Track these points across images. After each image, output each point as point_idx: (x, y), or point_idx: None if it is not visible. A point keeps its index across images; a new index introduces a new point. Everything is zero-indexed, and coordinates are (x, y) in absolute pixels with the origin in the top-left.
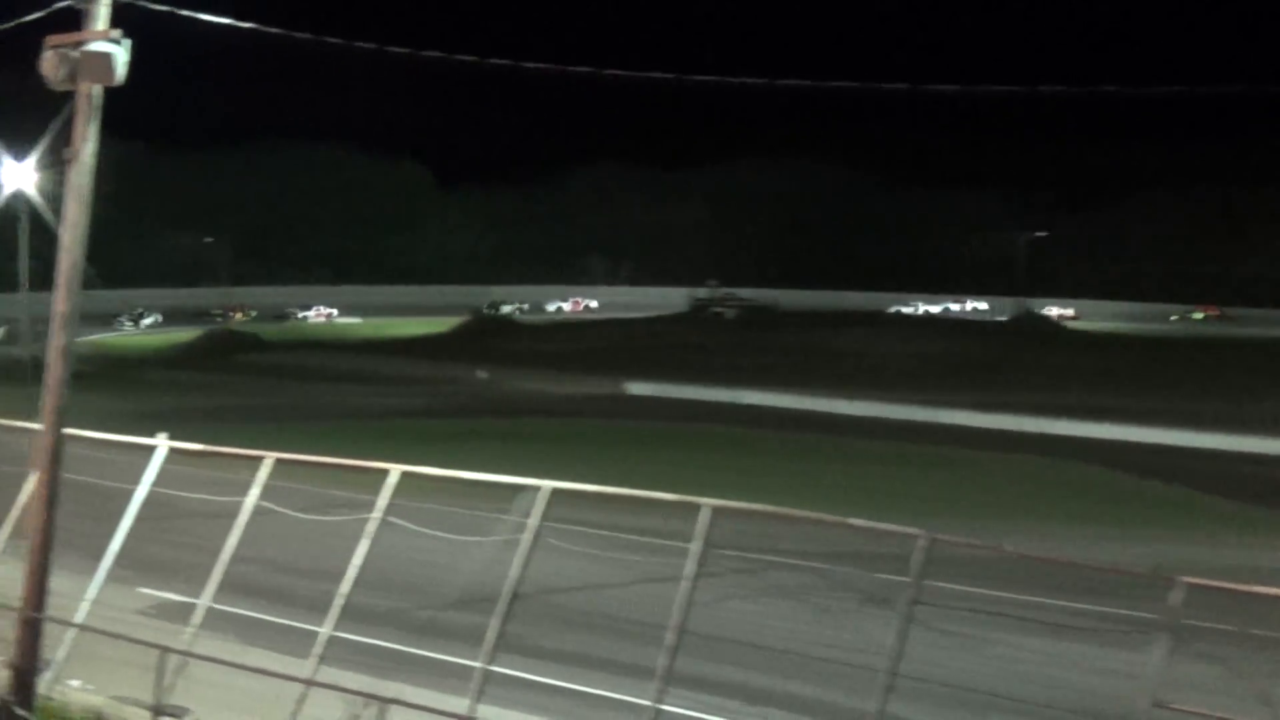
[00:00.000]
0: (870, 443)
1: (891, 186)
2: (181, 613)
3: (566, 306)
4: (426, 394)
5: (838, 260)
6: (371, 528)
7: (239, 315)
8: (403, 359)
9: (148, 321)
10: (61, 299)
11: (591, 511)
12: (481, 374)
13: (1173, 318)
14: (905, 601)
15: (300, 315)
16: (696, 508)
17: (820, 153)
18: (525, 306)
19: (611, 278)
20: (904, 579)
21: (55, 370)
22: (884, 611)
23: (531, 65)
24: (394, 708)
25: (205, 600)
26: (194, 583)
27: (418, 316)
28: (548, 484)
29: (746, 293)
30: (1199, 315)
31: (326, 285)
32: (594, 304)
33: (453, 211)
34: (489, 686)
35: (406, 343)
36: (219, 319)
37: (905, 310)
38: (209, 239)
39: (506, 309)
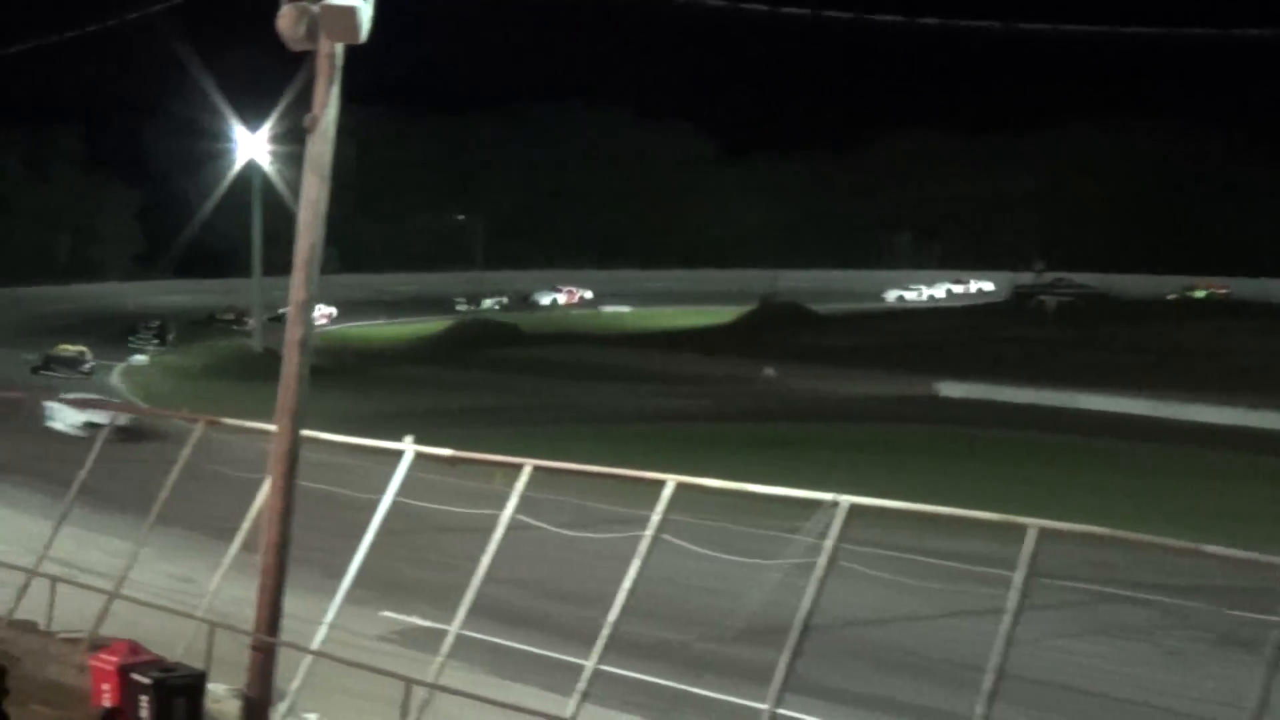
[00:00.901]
0: (1230, 455)
1: (1254, 153)
2: (428, 640)
3: (561, 298)
4: (705, 394)
5: (1186, 240)
6: (643, 547)
7: (250, 323)
8: (678, 354)
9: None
10: (299, 285)
11: (896, 532)
12: (769, 371)
13: (1170, 295)
14: (1273, 645)
15: (545, 300)
16: (1020, 529)
17: (1170, 114)
18: (505, 300)
19: (920, 259)
20: (1271, 619)
21: (291, 365)
22: (1246, 656)
23: (830, 14)
24: None
25: (455, 626)
26: (442, 606)
27: (695, 305)
28: (845, 499)
29: (1079, 278)
30: (1201, 293)
31: (592, 270)
32: (588, 294)
33: (736, 185)
34: None
35: (682, 335)
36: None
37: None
38: (460, 217)
39: (487, 303)
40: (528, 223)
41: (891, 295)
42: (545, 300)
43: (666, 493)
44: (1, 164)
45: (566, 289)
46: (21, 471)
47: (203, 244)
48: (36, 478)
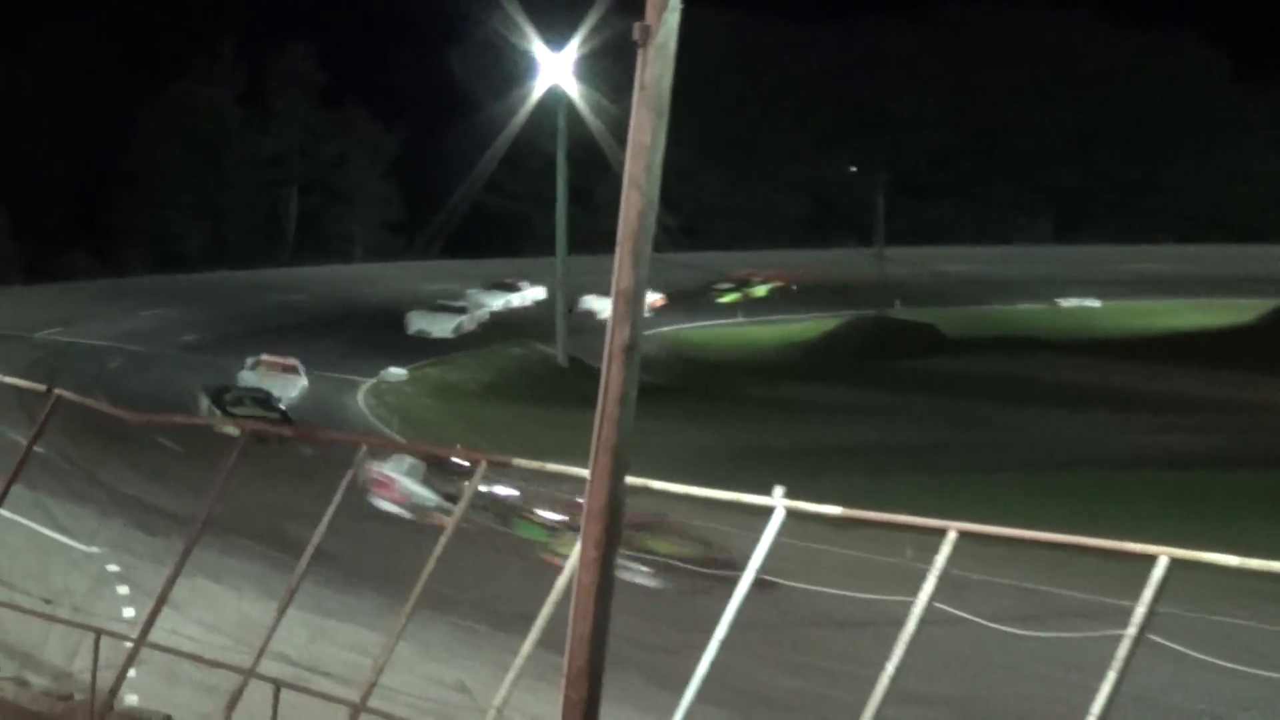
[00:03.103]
0: None
1: None
2: None
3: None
4: (1215, 428)
5: None
6: (1122, 652)
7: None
8: (1172, 368)
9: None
10: (624, 266)
11: None
12: None
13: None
14: None
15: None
16: None
17: None
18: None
19: None
20: None
21: (614, 382)
22: None
23: None
24: None
25: None
26: None
27: (1198, 297)
28: None
29: None
30: (762, 290)
31: (1043, 245)
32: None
33: (1264, 122)
34: None
35: (1179, 340)
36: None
37: None
38: (852, 169)
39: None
40: (949, 177)
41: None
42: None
43: (1157, 574)
44: (211, 98)
45: None
46: (241, 531)
47: (483, 209)
48: (261, 540)
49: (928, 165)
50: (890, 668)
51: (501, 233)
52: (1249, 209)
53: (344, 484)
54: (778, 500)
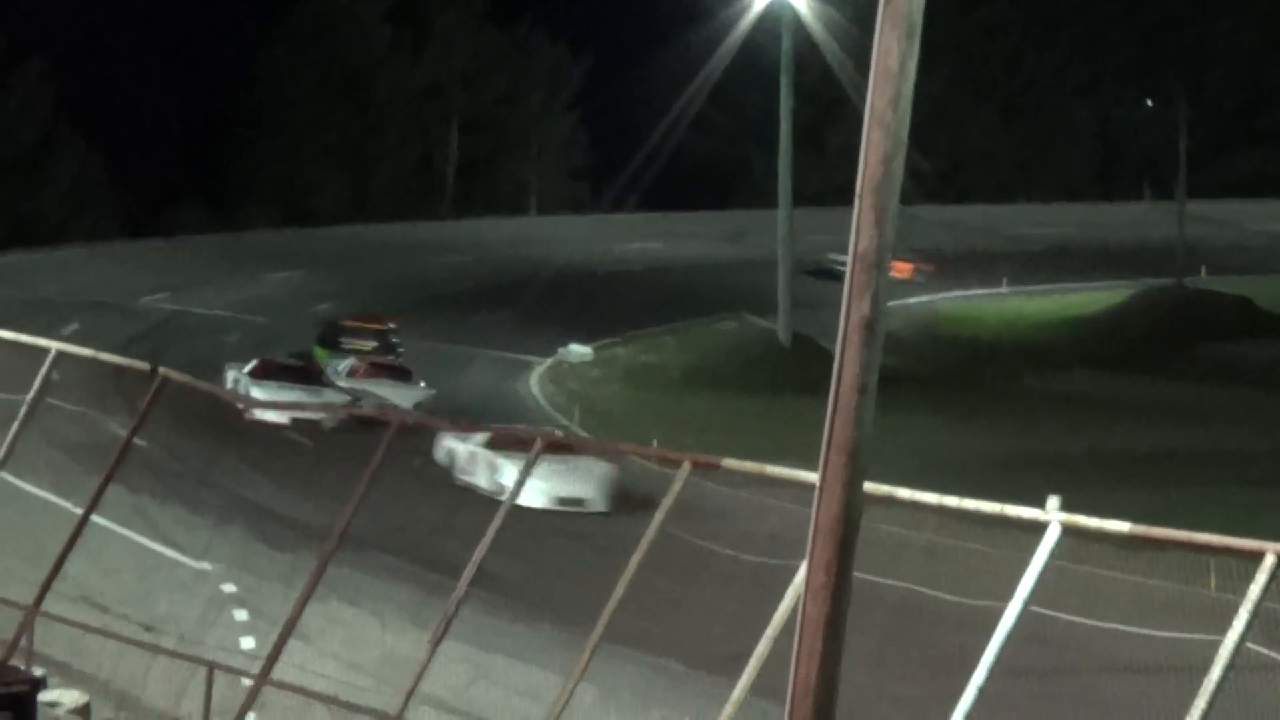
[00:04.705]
0: None
1: None
2: None
3: None
4: None
5: None
6: None
7: None
8: None
9: None
10: (865, 223)
11: None
12: None
13: None
14: None
15: None
16: None
17: None
18: None
19: None
20: None
21: (850, 367)
22: None
23: None
24: None
25: None
26: None
27: None
28: None
29: None
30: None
31: None
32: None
33: None
34: None
35: None
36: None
37: None
38: (1148, 102)
39: None
40: (1267, 118)
41: None
42: None
43: None
44: (352, 17)
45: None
46: (386, 546)
47: (689, 152)
48: (410, 558)
49: (1241, 104)
50: None
51: (712, 181)
52: None
53: (514, 489)
54: (1052, 514)
